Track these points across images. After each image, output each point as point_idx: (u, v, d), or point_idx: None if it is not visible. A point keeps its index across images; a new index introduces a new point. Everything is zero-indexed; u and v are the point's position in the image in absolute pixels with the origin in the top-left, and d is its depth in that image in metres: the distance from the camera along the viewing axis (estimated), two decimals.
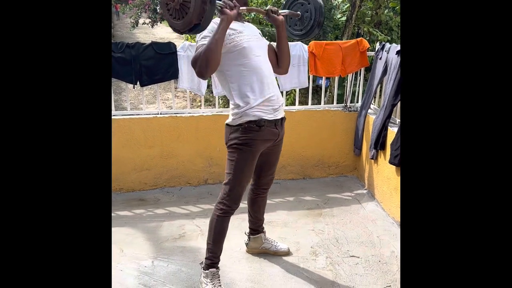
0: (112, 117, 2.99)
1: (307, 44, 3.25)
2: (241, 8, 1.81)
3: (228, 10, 1.69)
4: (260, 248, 2.38)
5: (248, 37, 1.88)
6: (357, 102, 3.52)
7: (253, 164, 1.97)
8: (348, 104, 3.49)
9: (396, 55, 2.87)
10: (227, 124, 1.96)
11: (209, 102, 7.69)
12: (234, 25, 1.85)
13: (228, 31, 1.78)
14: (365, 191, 3.26)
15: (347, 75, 3.41)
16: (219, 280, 2.05)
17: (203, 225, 2.68)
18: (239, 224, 2.65)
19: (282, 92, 3.22)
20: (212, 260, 2.06)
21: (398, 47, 2.88)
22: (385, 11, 6.98)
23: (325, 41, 3.31)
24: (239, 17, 1.93)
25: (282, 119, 2.02)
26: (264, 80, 1.88)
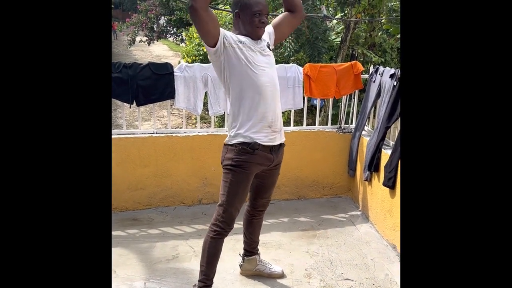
0: None
1: (302, 67, 3.30)
2: None
3: None
4: (254, 270, 2.36)
5: (256, 52, 1.87)
6: (351, 123, 3.56)
7: (247, 186, 1.97)
8: (343, 125, 3.53)
9: (390, 79, 2.92)
10: (224, 144, 1.97)
11: (204, 120, 7.73)
12: (247, 40, 1.87)
13: (238, 43, 1.82)
14: (359, 213, 3.26)
15: (342, 97, 3.45)
16: None
17: (197, 246, 2.66)
18: (233, 245, 2.63)
19: None
20: (205, 283, 2.04)
21: (392, 71, 2.93)
22: (379, 33, 7.11)
23: (319, 64, 3.36)
24: (256, 36, 1.90)
25: (280, 145, 2.03)
26: (266, 101, 1.88)
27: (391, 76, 2.90)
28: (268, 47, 1.97)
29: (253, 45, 1.88)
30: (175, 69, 3.04)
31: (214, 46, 1.79)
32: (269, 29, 2.05)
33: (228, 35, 1.82)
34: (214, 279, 2.07)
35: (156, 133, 3.16)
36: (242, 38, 1.86)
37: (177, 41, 14.51)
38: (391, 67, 3.11)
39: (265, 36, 1.97)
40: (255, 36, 1.89)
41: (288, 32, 2.15)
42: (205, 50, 6.99)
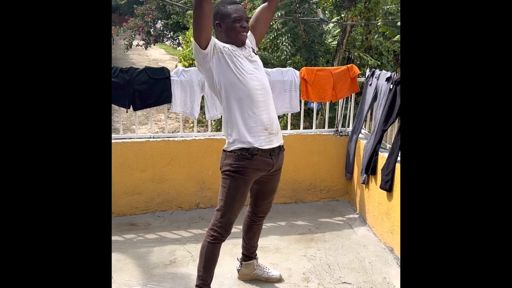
0: None
1: (299, 70, 3.30)
2: None
3: None
4: (251, 274, 2.36)
5: (243, 57, 1.91)
6: (348, 126, 3.57)
7: (245, 192, 1.97)
8: (340, 128, 3.53)
9: (386, 82, 2.92)
10: (223, 150, 1.97)
11: (201, 123, 7.72)
12: (232, 47, 1.89)
13: (225, 49, 1.85)
14: (356, 216, 3.26)
15: (338, 100, 3.46)
16: None
17: (194, 251, 2.66)
18: (230, 249, 2.63)
19: None
20: None
21: (388, 74, 2.94)
22: (375, 36, 7.13)
23: (316, 67, 3.37)
24: (240, 42, 1.93)
25: (280, 148, 2.03)
26: (259, 104, 1.89)
27: (388, 79, 2.91)
28: (253, 52, 1.99)
29: (238, 51, 1.91)
30: (171, 74, 3.04)
31: (205, 48, 1.80)
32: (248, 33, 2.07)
33: (217, 41, 1.87)
34: (212, 284, 2.07)
35: (153, 138, 3.15)
36: (227, 45, 1.89)
37: (174, 45, 14.50)
38: (388, 70, 3.12)
39: (247, 41, 2.00)
40: (239, 42, 1.92)
41: (266, 28, 2.16)
42: None
